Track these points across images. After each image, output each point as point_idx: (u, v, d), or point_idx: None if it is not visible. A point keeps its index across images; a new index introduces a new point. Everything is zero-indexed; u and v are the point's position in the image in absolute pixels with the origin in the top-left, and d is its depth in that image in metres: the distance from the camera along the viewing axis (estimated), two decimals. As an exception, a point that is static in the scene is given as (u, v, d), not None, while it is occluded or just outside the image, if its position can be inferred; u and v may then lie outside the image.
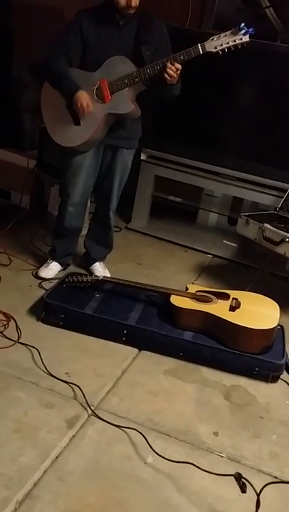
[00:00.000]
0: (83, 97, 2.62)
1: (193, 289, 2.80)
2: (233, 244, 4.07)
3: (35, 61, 4.05)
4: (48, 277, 3.12)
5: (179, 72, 2.56)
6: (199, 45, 2.51)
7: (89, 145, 2.80)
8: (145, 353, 2.56)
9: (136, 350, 2.57)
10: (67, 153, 2.87)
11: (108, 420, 2.07)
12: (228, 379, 2.47)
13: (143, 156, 3.98)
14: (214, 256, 3.93)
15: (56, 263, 3.19)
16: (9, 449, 1.86)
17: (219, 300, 2.68)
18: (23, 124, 4.62)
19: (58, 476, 1.79)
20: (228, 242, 4.10)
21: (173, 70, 2.53)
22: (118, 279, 2.89)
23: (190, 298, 2.68)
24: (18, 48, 4.65)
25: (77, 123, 2.73)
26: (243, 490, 1.82)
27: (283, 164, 3.60)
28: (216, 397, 2.33)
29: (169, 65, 2.52)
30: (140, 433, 2.01)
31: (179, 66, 2.54)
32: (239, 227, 3.26)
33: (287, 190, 3.42)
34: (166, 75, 2.54)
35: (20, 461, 1.82)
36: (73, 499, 1.71)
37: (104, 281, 2.88)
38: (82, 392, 2.18)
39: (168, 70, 2.52)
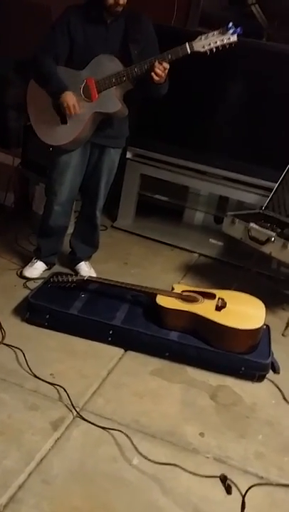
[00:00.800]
0: (70, 98, 2.59)
1: (179, 288, 2.80)
2: (219, 243, 4.08)
3: (21, 58, 4.01)
4: (33, 277, 3.09)
5: (166, 71, 2.54)
6: (187, 44, 2.50)
7: (76, 144, 2.77)
8: (131, 354, 2.55)
9: (122, 351, 2.56)
10: (54, 152, 2.84)
11: (93, 422, 2.05)
12: (214, 379, 2.47)
13: (129, 155, 3.96)
14: (200, 255, 3.94)
15: (41, 262, 3.17)
16: (-7, 452, 1.84)
17: (205, 300, 2.68)
18: (8, 122, 4.57)
19: (42, 478, 1.77)
20: (214, 241, 4.10)
21: (161, 69, 2.52)
22: (104, 279, 2.87)
23: (176, 298, 2.68)
24: (3, 44, 4.60)
25: (64, 122, 2.70)
26: (229, 491, 1.83)
27: (269, 163, 3.60)
28: (201, 398, 2.33)
29: (157, 64, 2.50)
30: (126, 435, 2.01)
31: (166, 65, 2.53)
32: (225, 226, 3.26)
33: (272, 190, 3.43)
34: (153, 75, 2.52)
35: (4, 464, 1.80)
36: (58, 502, 1.70)
37: (89, 281, 2.86)
38: (67, 394, 2.17)
39: (156, 69, 2.51)
